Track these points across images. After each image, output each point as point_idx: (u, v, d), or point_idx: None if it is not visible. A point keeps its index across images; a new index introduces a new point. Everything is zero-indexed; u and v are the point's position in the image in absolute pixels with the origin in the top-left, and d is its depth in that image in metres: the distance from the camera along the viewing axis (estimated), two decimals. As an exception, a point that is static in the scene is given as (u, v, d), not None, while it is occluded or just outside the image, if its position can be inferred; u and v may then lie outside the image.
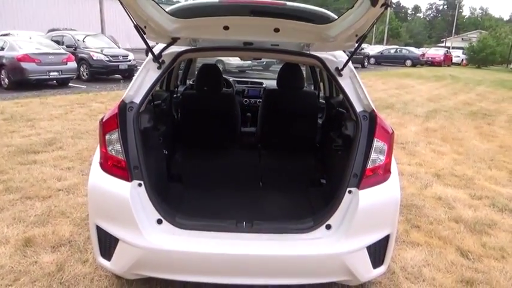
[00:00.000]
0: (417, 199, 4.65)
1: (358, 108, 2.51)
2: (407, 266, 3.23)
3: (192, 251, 2.23)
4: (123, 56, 15.01)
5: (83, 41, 15.26)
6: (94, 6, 26.85)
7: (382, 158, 2.38)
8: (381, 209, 2.35)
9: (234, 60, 18.53)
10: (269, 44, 2.68)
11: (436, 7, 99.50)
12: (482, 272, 3.20)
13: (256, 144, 3.94)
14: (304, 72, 5.40)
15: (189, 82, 5.20)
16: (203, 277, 2.33)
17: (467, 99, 14.01)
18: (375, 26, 2.55)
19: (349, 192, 2.33)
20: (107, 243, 2.33)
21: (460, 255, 3.46)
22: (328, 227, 2.34)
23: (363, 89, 2.54)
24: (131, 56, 15.20)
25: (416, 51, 36.14)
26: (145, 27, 2.35)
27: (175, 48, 2.62)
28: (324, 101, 4.28)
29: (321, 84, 4.53)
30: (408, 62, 32.99)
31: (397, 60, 33.17)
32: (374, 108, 2.51)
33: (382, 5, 1.96)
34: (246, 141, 4.07)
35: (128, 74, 14.83)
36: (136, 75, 2.55)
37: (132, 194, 2.24)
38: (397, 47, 38.76)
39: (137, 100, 2.45)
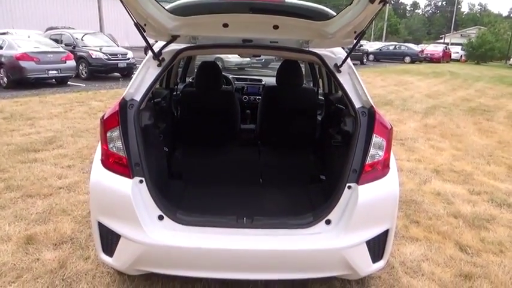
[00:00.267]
0: (416, 195, 4.68)
1: (357, 104, 2.53)
2: (406, 261, 3.26)
3: (193, 246, 2.25)
4: (122, 54, 15.00)
5: (82, 40, 15.24)
6: (92, 4, 26.79)
7: (381, 153, 2.40)
8: (380, 204, 2.37)
9: (233, 58, 18.52)
10: (268, 41, 2.70)
11: (435, 3, 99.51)
12: (481, 266, 3.22)
13: (256, 141, 3.97)
14: (303, 69, 5.45)
15: (189, 80, 5.22)
16: (204, 272, 2.35)
17: (466, 95, 14.04)
18: (373, 22, 2.57)
19: (349, 187, 2.35)
20: (109, 240, 2.35)
21: (458, 250, 3.49)
22: (328, 222, 2.36)
23: (361, 85, 2.56)
24: (130, 54, 15.20)
25: (415, 48, 36.16)
26: (145, 25, 2.37)
27: (175, 46, 2.63)
28: (323, 98, 4.30)
29: (320, 80, 4.55)
30: (407, 59, 33.01)
31: (396, 57, 33.23)
32: (373, 104, 2.53)
33: (380, 2, 1.98)
34: (245, 138, 4.10)
35: (127, 72, 14.85)
36: (136, 73, 2.57)
37: (133, 190, 2.26)
38: (396, 43, 38.73)
39: (138, 98, 2.46)
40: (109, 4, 26.20)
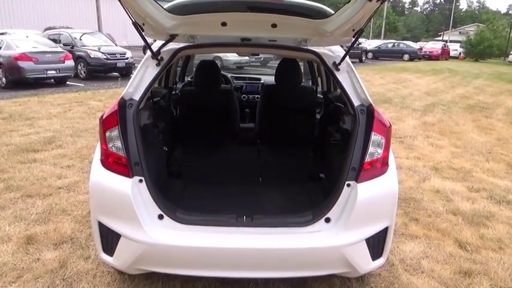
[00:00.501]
0: (415, 192, 4.69)
1: (356, 102, 2.53)
2: (406, 258, 3.27)
3: (193, 245, 2.25)
4: (120, 54, 14.98)
5: (80, 39, 15.20)
6: (91, 4, 26.77)
7: (380, 151, 2.40)
8: (379, 201, 2.38)
9: (231, 57, 18.52)
10: (267, 39, 2.70)
11: (433, 1, 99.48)
12: (481, 263, 3.23)
13: (255, 139, 3.97)
14: (302, 68, 5.45)
15: (187, 79, 5.22)
16: (204, 271, 2.36)
17: (465, 93, 14.05)
18: (371, 20, 2.57)
19: (348, 185, 2.36)
20: (109, 239, 2.35)
21: (458, 247, 3.50)
22: (327, 220, 2.37)
23: (360, 83, 2.57)
24: (129, 54, 15.18)
25: (414, 46, 36.15)
26: (143, 24, 2.37)
27: (173, 45, 2.63)
28: (321, 96, 4.31)
29: (319, 79, 4.55)
30: (406, 56, 33.02)
31: (394, 55, 33.22)
32: (371, 102, 2.53)
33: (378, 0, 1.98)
34: (244, 137, 4.10)
35: (125, 72, 14.83)
36: (135, 72, 2.57)
37: (133, 190, 2.26)
38: (394, 41, 38.75)
39: (136, 97, 2.47)
40: (107, 4, 26.17)
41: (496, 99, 12.75)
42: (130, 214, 2.23)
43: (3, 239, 3.33)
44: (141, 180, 2.31)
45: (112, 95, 10.70)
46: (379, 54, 33.39)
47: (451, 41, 47.40)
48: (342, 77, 2.60)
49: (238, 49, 3.04)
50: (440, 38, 55.27)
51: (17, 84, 11.62)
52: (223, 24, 2.46)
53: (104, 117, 2.37)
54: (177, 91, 4.27)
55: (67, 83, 13.12)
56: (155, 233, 2.26)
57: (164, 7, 2.32)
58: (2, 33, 15.26)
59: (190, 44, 2.65)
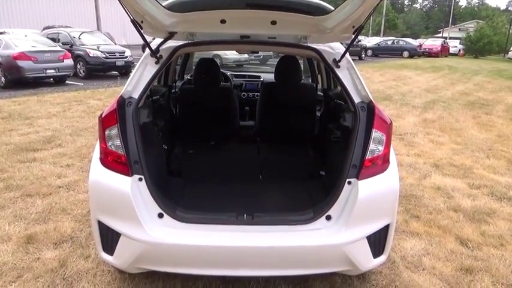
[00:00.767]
0: (416, 189, 4.68)
1: (356, 99, 2.52)
2: (407, 256, 3.26)
3: (193, 244, 2.24)
4: (119, 53, 14.96)
5: (79, 38, 15.18)
6: (89, 3, 26.70)
7: (381, 148, 2.39)
8: (380, 199, 2.36)
9: (231, 55, 18.51)
10: (266, 36, 2.68)
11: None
12: (482, 260, 3.22)
13: (255, 137, 3.96)
14: (301, 65, 5.43)
15: (187, 77, 5.20)
16: (205, 270, 2.35)
17: (464, 90, 14.03)
18: (371, 17, 2.55)
19: (349, 183, 2.35)
20: (109, 238, 2.34)
21: (459, 243, 3.49)
22: (328, 217, 2.36)
23: (360, 80, 2.55)
24: (128, 53, 15.15)
25: (414, 43, 36.09)
26: (142, 22, 2.35)
27: (172, 43, 2.62)
28: (321, 94, 4.29)
29: (319, 76, 4.54)
30: (405, 54, 32.97)
31: (394, 52, 33.18)
32: (372, 99, 2.52)
33: None
34: (244, 135, 4.09)
35: (125, 71, 14.79)
36: (134, 70, 2.56)
37: (132, 188, 2.25)
38: (394, 38, 38.68)
39: (136, 95, 2.45)
40: (106, 2, 26.12)
41: (496, 96, 12.74)
42: (130, 213, 2.22)
43: (3, 238, 3.32)
44: (140, 179, 2.30)
45: (111, 94, 10.68)
46: (379, 52, 33.34)
47: (450, 38, 47.30)
48: (342, 74, 2.59)
49: (237, 46, 3.03)
50: (440, 35, 55.16)
51: (16, 84, 11.60)
52: (223, 21, 2.44)
53: (103, 116, 2.36)
54: (177, 89, 4.26)
55: (66, 82, 13.10)
56: (155, 231, 2.25)
57: (163, 4, 2.30)
58: (1, 33, 15.24)
59: (190, 41, 2.63)
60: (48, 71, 12.20)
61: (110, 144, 2.32)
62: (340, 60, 2.60)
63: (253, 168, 3.54)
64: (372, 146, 2.37)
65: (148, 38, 2.59)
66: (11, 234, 3.39)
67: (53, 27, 18.97)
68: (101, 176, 2.31)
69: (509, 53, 38.44)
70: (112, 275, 2.84)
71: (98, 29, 22.16)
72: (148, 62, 2.57)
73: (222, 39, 2.66)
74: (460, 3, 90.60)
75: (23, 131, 6.75)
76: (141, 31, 2.41)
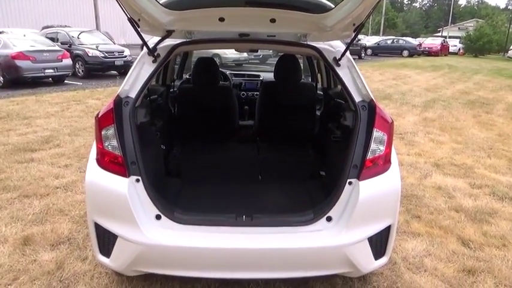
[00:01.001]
0: (417, 189, 4.64)
1: (357, 98, 2.48)
2: (408, 257, 3.22)
3: (191, 246, 2.20)
4: (118, 52, 14.91)
5: (78, 38, 15.14)
6: (88, 2, 26.63)
7: (382, 148, 2.35)
8: (382, 199, 2.32)
9: (230, 54, 18.45)
10: (265, 35, 2.64)
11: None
12: (484, 261, 3.19)
13: (255, 137, 3.92)
14: (301, 64, 5.39)
15: (186, 76, 5.16)
16: (203, 272, 2.31)
17: (465, 89, 13.99)
18: (371, 16, 2.51)
19: (350, 183, 2.31)
20: (106, 240, 2.30)
21: (461, 244, 3.45)
22: (329, 219, 2.32)
23: (361, 78, 2.51)
24: (127, 52, 15.10)
25: (413, 42, 36.09)
26: (139, 20, 2.31)
27: (170, 41, 2.57)
28: (321, 93, 4.25)
29: (319, 75, 4.50)
30: (405, 53, 32.96)
31: (394, 51, 33.19)
32: (373, 98, 2.48)
33: None
34: (244, 134, 4.05)
35: (123, 70, 14.73)
36: (131, 69, 2.51)
37: (129, 189, 2.21)
38: (393, 37, 38.64)
39: (133, 95, 2.41)
40: (105, 2, 26.04)
41: (496, 95, 12.70)
42: (127, 214, 2.18)
43: (0, 240, 3.28)
44: (138, 180, 2.26)
45: (110, 94, 10.63)
46: (378, 51, 33.32)
47: (450, 37, 47.23)
48: (342, 72, 2.55)
49: (236, 45, 2.98)
50: (440, 34, 55.13)
51: (14, 83, 11.54)
52: (221, 19, 2.39)
53: (99, 116, 2.32)
54: (175, 89, 4.21)
55: (65, 81, 13.05)
56: (152, 233, 2.21)
57: (160, 2, 2.26)
58: (0, 32, 15.18)
59: (187, 40, 2.59)
60: (46, 71, 12.15)
61: (106, 144, 2.28)
62: (340, 59, 2.56)
63: (253, 168, 3.50)
64: (373, 145, 2.33)
65: (146, 37, 2.54)
66: (7, 235, 3.34)
67: (52, 26, 18.90)
68: (98, 177, 2.27)
69: (509, 51, 38.40)
70: (109, 277, 2.80)
71: (97, 28, 22.11)
72: (145, 61, 2.52)
73: (221, 37, 2.61)
74: (459, 2, 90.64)
75: (21, 131, 6.71)
76: (138, 29, 2.37)
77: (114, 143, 2.26)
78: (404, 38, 38.68)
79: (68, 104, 9.29)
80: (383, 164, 2.36)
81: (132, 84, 2.43)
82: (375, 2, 2.06)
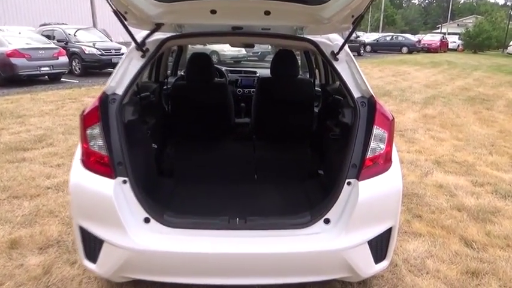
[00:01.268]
0: (418, 187, 4.53)
1: (356, 94, 2.35)
2: (410, 258, 3.11)
3: (181, 251, 2.09)
4: (115, 50, 14.74)
5: (74, 35, 14.98)
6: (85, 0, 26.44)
7: (383, 146, 2.23)
8: (382, 200, 2.21)
9: (228, 51, 18.34)
10: (260, 28, 2.52)
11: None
12: (488, 262, 3.08)
13: (251, 135, 3.80)
14: (299, 60, 5.26)
15: (180, 73, 5.04)
16: (194, 278, 2.19)
17: (464, 85, 13.87)
18: (370, 13, 2.39)
19: (348, 183, 2.19)
20: (92, 245, 2.18)
21: (464, 245, 3.34)
22: (327, 221, 2.20)
23: (360, 73, 2.39)
24: (124, 50, 14.89)
25: (412, 38, 35.91)
26: (126, 12, 2.19)
27: (159, 35, 2.45)
28: (320, 89, 4.13)
29: (317, 71, 4.38)
30: (404, 49, 32.80)
31: (393, 48, 33.00)
32: (373, 93, 2.36)
33: None
34: (240, 132, 3.93)
35: (121, 68, 14.57)
36: (118, 65, 2.39)
37: (116, 191, 2.09)
38: (393, 34, 38.47)
39: (120, 91, 2.29)
40: (102, -1, 25.84)
41: (497, 91, 12.58)
42: (113, 218, 2.06)
43: (-14, 243, 3.16)
44: (125, 181, 2.14)
45: (106, 91, 10.48)
46: (378, 48, 33.16)
47: (449, 33, 47.02)
48: (340, 67, 2.43)
49: (229, 39, 2.86)
50: (439, 31, 54.92)
51: (10, 82, 11.40)
52: (213, 11, 2.27)
53: (84, 114, 2.20)
54: (169, 85, 4.09)
55: (61, 79, 12.93)
56: (140, 238, 2.09)
57: None
58: (-5, 30, 15.01)
59: (178, 33, 2.46)
60: (42, 69, 12.04)
61: (91, 144, 2.16)
62: (338, 53, 2.43)
63: (248, 167, 3.38)
64: (373, 144, 2.22)
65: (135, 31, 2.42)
66: (-6, 238, 3.23)
67: (49, 24, 18.74)
68: (82, 178, 2.15)
69: (508, 48, 38.23)
70: (98, 282, 2.68)
71: (94, 25, 21.92)
72: (133, 56, 2.40)
73: (213, 31, 2.49)
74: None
75: (13, 130, 6.58)
76: (125, 23, 2.25)
77: (100, 142, 2.15)
78: (403, 34, 38.51)
79: (63, 102, 9.16)
80: (383, 163, 2.24)
81: (119, 80, 2.31)
82: None
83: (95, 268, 2.21)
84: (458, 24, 57.24)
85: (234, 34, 2.52)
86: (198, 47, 13.71)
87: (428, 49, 34.97)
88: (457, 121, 8.09)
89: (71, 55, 13.96)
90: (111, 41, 16.46)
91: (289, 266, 2.17)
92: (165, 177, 3.22)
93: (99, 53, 14.19)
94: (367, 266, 2.24)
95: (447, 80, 15.22)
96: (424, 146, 6.21)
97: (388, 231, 2.26)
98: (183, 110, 3.54)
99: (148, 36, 2.40)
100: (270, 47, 9.78)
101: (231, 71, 5.30)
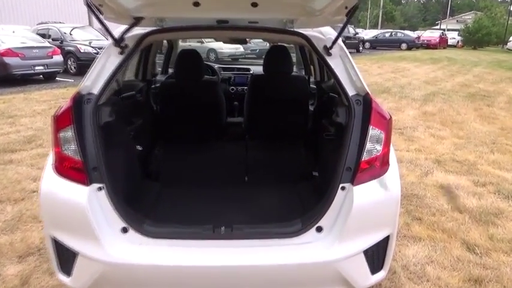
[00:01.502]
0: (418, 188, 4.37)
1: (351, 91, 2.18)
2: (409, 264, 2.95)
3: (161, 263, 1.92)
4: (111, 48, 14.53)
5: (70, 34, 14.82)
6: (82, -2, 26.19)
7: (379, 148, 2.06)
8: (379, 207, 2.04)
9: (226, 49, 18.18)
10: (247, 21, 2.35)
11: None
12: (492, 269, 2.92)
13: (244, 135, 3.64)
14: (294, 57, 5.09)
15: (172, 71, 4.87)
16: None
17: (464, 81, 13.70)
18: (369, 10, 2.22)
19: (342, 188, 2.02)
20: (66, 258, 2.02)
21: (466, 249, 3.19)
22: (319, 229, 2.04)
23: (355, 69, 2.21)
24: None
25: (412, 35, 35.72)
26: (101, 5, 2.02)
27: (139, 30, 2.28)
28: (315, 86, 3.96)
29: (312, 67, 4.21)
30: (403, 46, 32.64)
31: (392, 44, 32.85)
32: (369, 91, 2.19)
33: None
34: (232, 132, 3.76)
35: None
36: (94, 62, 2.23)
37: (90, 199, 1.93)
38: (392, 30, 38.24)
39: (96, 91, 2.12)
40: (99, -3, 25.59)
41: (497, 87, 12.41)
42: (86, 228, 1.90)
43: (-37, 252, 3.01)
44: (100, 188, 1.97)
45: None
46: (377, 44, 32.98)
47: (448, 30, 46.73)
48: (334, 62, 2.25)
49: (214, 33, 2.69)
50: (438, 27, 54.67)
51: (3, 81, 11.20)
52: (196, 4, 2.09)
53: (56, 115, 2.03)
54: (157, 84, 3.92)
55: (56, 78, 12.74)
56: (117, 250, 1.92)
57: None
58: (-11, 29, 14.82)
59: (159, 28, 2.30)
60: (36, 68, 11.86)
61: (64, 148, 2.00)
62: (331, 47, 2.26)
63: (239, 169, 3.22)
64: (368, 145, 2.05)
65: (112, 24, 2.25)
66: (-28, 246, 3.07)
67: (46, 23, 18.55)
68: (54, 185, 1.98)
69: (508, 43, 38.02)
70: (78, 294, 2.52)
71: (90, 24, 21.70)
72: (111, 52, 2.23)
73: (196, 24, 2.32)
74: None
75: (3, 131, 6.42)
76: (101, 17, 2.08)
77: (73, 146, 1.98)
78: (402, 31, 38.28)
79: (56, 101, 8.97)
80: (380, 166, 2.07)
81: (95, 79, 2.14)
82: None
83: (70, 282, 2.05)
84: (457, 20, 57.01)
85: (219, 28, 2.35)
86: (195, 45, 13.59)
87: (428, 45, 34.76)
88: (458, 118, 7.93)
89: (66, 54, 13.77)
90: (107, 39, 16.26)
91: (278, 279, 2.00)
92: (152, 180, 3.06)
93: (95, 51, 13.93)
94: (363, 278, 2.08)
95: (447, 77, 15.05)
96: (424, 145, 6.05)
97: (386, 240, 2.09)
98: (172, 110, 3.38)
99: (126, 31, 2.23)
100: (267, 44, 9.60)
101: (224, 69, 5.13)
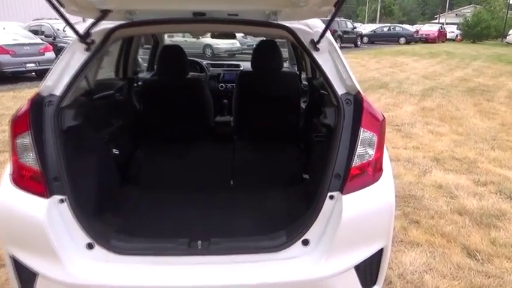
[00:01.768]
0: (415, 188, 4.18)
1: (340, 90, 1.98)
2: (406, 273, 2.77)
3: (129, 284, 1.73)
4: (105, 45, 14.31)
5: (63, 30, 14.54)
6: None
7: (372, 152, 1.87)
8: (372, 218, 1.85)
9: (223, 45, 17.96)
10: (226, 13, 2.14)
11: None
12: (494, 277, 2.73)
13: (232, 135, 3.45)
14: (287, 52, 4.89)
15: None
16: None
17: (464, 76, 13.50)
18: (367, 4, 2.01)
19: (331, 197, 1.83)
20: (26, 278, 1.83)
21: (466, 255, 3.00)
22: (305, 242, 1.84)
23: (345, 65, 2.01)
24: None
25: (410, 29, 35.50)
26: None
27: (107, 25, 2.08)
28: (307, 83, 3.77)
29: (304, 63, 4.01)
30: (402, 40, 32.46)
31: (390, 38, 32.68)
32: (360, 90, 1.99)
33: None
34: (221, 132, 3.57)
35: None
36: (57, 60, 2.02)
37: (50, 213, 1.73)
38: (390, 24, 37.97)
39: (58, 92, 1.92)
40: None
41: (497, 82, 12.21)
42: (45, 246, 1.71)
43: None
44: (62, 200, 1.78)
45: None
46: (375, 38, 32.77)
47: (447, 24, 46.41)
48: (321, 58, 2.05)
49: (189, 26, 2.48)
50: (437, 21, 54.35)
51: (-7, 79, 11.02)
52: None
53: (12, 119, 1.84)
54: (140, 82, 3.72)
55: (48, 76, 12.49)
56: (80, 269, 1.73)
57: None
58: (-20, 26, 14.55)
59: (128, 21, 2.09)
60: (28, 65, 11.63)
61: (22, 156, 1.80)
62: (319, 42, 2.05)
63: (224, 172, 3.02)
64: (359, 149, 1.85)
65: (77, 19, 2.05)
66: None
67: (42, 19, 18.28)
68: (11, 197, 1.79)
69: (508, 37, 37.74)
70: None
71: (84, 20, 21.44)
72: (76, 49, 2.03)
73: (170, 17, 2.11)
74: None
75: (-13, 131, 6.21)
76: (62, 10, 1.87)
77: (32, 154, 1.78)
78: (401, 25, 38.00)
79: (46, 100, 8.76)
80: (373, 172, 1.88)
81: (58, 78, 1.94)
82: None
83: (31, 304, 1.86)
84: (456, 14, 56.63)
85: (196, 21, 2.14)
86: (190, 40, 13.32)
87: (426, 39, 34.52)
88: (457, 114, 7.74)
89: (59, 51, 13.50)
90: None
91: (260, 299, 1.82)
92: (131, 185, 2.86)
93: (88, 48, 13.75)
94: (354, 295, 1.89)
95: (446, 71, 14.84)
96: (422, 142, 5.86)
97: (379, 253, 1.90)
98: (155, 109, 3.19)
99: (92, 25, 2.02)
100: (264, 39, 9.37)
101: (213, 65, 4.92)
